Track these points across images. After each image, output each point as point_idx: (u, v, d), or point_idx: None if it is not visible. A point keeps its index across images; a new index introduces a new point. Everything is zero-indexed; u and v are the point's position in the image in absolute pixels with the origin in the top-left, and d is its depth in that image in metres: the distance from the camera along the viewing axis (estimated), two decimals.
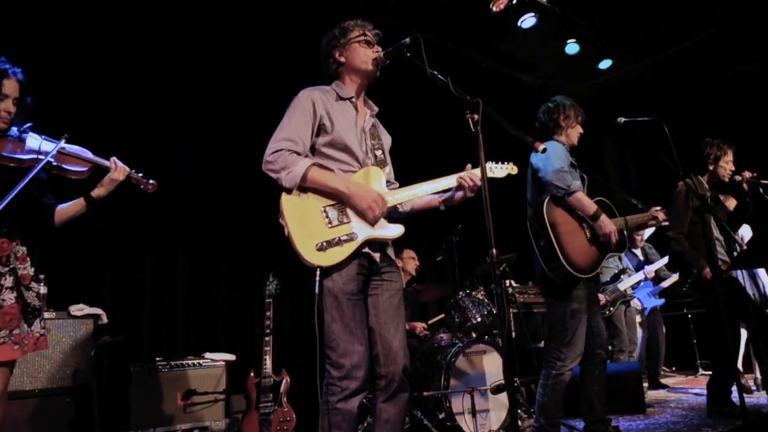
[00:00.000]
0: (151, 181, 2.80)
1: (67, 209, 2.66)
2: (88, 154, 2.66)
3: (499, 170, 2.69)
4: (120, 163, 2.68)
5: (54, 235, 2.72)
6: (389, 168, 2.59)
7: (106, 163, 2.66)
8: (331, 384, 2.19)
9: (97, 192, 2.65)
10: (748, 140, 4.34)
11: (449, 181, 2.48)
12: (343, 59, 2.51)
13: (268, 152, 2.27)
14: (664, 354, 6.39)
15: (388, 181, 2.55)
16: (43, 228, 2.64)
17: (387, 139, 2.67)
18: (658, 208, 3.57)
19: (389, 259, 2.45)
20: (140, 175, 2.77)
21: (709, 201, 4.18)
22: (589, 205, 3.25)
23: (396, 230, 2.38)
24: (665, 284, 6.20)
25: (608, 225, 3.24)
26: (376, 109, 2.61)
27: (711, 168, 4.22)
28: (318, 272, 2.18)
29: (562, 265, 3.12)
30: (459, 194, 2.50)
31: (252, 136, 2.96)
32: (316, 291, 2.18)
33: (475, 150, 1.98)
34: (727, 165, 4.18)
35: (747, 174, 4.08)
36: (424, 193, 2.46)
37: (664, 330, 6.45)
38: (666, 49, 7.11)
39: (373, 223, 2.29)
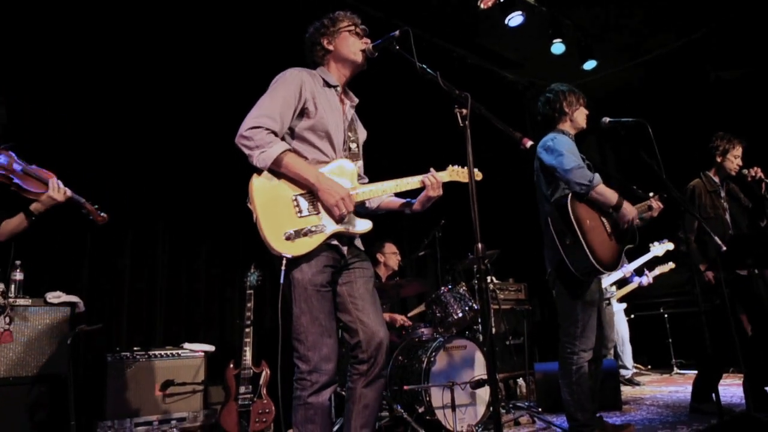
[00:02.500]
0: (102, 214, 3.05)
1: (9, 224, 2.84)
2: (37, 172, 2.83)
3: (465, 174, 2.67)
4: (59, 184, 2.83)
5: None
6: (361, 162, 2.57)
7: (45, 178, 2.82)
8: (301, 378, 2.16)
9: (35, 206, 2.82)
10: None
11: (413, 180, 2.48)
12: (331, 47, 2.49)
13: (245, 126, 2.20)
14: (630, 352, 6.48)
15: (358, 176, 2.54)
16: None
17: (362, 134, 2.66)
18: (656, 195, 3.50)
19: (358, 249, 2.44)
20: (95, 207, 3.03)
21: (725, 195, 4.20)
22: (612, 195, 3.20)
23: (364, 225, 2.37)
24: (625, 290, 6.23)
25: (630, 211, 3.21)
26: (356, 101, 2.59)
27: (719, 160, 4.19)
28: (284, 262, 2.12)
29: (590, 262, 3.04)
30: (419, 200, 2.55)
31: (231, 122, 2.91)
32: (281, 281, 2.13)
33: (458, 149, 1.98)
34: (735, 159, 4.15)
35: (754, 170, 4.01)
36: (390, 190, 2.45)
37: (627, 328, 6.54)
38: (651, 51, 7.18)
39: (338, 220, 2.26)
